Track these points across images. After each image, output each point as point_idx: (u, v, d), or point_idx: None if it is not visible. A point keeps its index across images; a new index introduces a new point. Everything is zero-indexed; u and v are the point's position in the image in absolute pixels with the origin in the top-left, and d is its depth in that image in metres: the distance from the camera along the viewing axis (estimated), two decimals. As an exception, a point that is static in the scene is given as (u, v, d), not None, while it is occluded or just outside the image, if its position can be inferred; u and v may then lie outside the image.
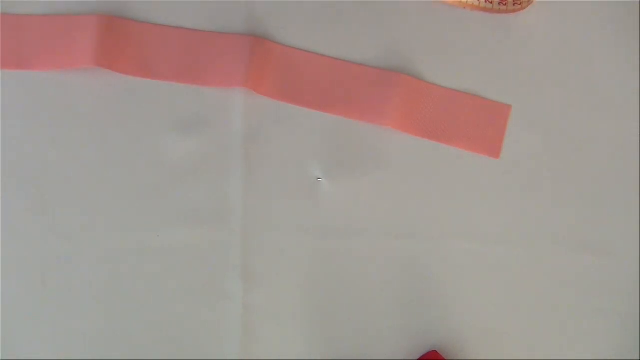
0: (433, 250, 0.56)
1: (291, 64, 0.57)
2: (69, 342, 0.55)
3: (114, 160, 0.56)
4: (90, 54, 0.56)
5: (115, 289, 0.55)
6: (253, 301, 0.55)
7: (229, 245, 0.56)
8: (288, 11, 0.58)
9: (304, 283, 0.55)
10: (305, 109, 0.57)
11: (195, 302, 0.55)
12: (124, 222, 0.56)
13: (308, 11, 0.57)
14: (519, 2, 0.56)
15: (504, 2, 0.56)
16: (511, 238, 0.56)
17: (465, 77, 0.57)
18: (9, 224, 0.55)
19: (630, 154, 0.56)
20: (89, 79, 0.57)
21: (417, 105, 0.56)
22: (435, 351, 0.54)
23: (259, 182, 0.56)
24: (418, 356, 0.55)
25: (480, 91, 0.57)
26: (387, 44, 0.57)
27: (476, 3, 0.56)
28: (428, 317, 0.55)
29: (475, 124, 0.56)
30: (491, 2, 0.56)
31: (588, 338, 0.55)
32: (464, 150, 0.56)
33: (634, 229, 0.56)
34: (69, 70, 0.57)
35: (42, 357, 0.54)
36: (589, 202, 0.56)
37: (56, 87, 0.57)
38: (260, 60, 0.56)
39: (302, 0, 0.57)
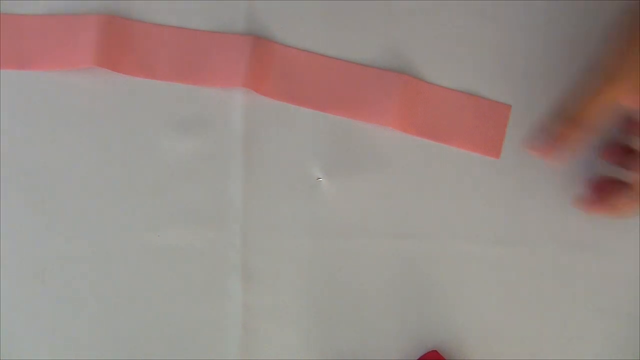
0: (433, 250, 0.56)
1: (291, 64, 0.57)
2: (69, 342, 0.55)
3: (113, 160, 0.56)
4: (91, 54, 0.56)
5: (115, 289, 0.55)
6: (253, 301, 0.55)
7: (229, 245, 0.56)
8: (288, 11, 0.58)
9: (304, 283, 0.55)
10: (305, 109, 0.57)
11: (195, 301, 0.55)
12: (124, 222, 0.56)
13: (308, 11, 0.57)
14: None
15: None
16: (511, 238, 0.56)
17: (465, 77, 0.56)
18: (9, 223, 0.55)
19: (630, 154, 0.56)
20: (88, 79, 0.57)
21: (417, 105, 0.56)
22: (435, 351, 0.54)
23: (259, 182, 0.56)
24: (418, 356, 0.55)
25: (480, 91, 0.57)
26: (387, 43, 0.57)
27: None
28: (428, 317, 0.55)
29: (476, 123, 0.56)
30: None
31: (588, 338, 0.55)
32: (464, 150, 0.56)
33: (634, 229, 0.56)
34: (69, 70, 0.57)
35: (42, 357, 0.54)
36: (589, 202, 0.56)
37: (56, 87, 0.57)
38: (261, 60, 0.56)
39: (302, 0, 0.57)
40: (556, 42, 0.57)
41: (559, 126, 0.50)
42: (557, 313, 0.55)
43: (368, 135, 0.57)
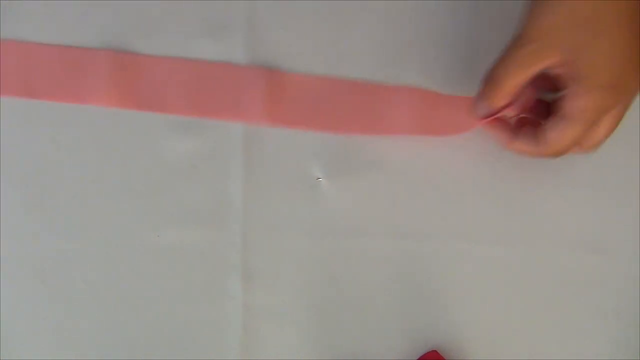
0: (433, 250, 0.56)
1: (304, 92, 0.56)
2: (69, 342, 0.55)
3: (113, 160, 0.56)
4: (102, 92, 0.56)
5: (115, 289, 0.55)
6: (253, 301, 0.55)
7: (229, 245, 0.56)
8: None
9: (304, 283, 0.55)
10: (305, 109, 0.57)
11: (195, 302, 0.55)
12: (124, 222, 0.56)
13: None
14: None
15: None
16: (511, 238, 0.56)
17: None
18: (9, 223, 0.55)
19: (631, 153, 0.56)
20: (89, 79, 0.57)
21: (433, 110, 0.56)
22: (435, 351, 0.54)
23: (259, 182, 0.56)
24: (418, 356, 0.55)
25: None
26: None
27: None
28: (428, 317, 0.55)
29: None
30: None
31: (588, 338, 0.55)
32: (464, 150, 0.56)
33: (634, 229, 0.56)
34: (69, 71, 0.57)
35: (42, 357, 0.54)
36: (588, 201, 0.56)
37: (56, 87, 0.57)
38: (277, 93, 0.56)
39: (302, 0, 0.58)
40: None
41: (489, 92, 0.49)
42: (557, 313, 0.55)
43: (368, 135, 0.57)
